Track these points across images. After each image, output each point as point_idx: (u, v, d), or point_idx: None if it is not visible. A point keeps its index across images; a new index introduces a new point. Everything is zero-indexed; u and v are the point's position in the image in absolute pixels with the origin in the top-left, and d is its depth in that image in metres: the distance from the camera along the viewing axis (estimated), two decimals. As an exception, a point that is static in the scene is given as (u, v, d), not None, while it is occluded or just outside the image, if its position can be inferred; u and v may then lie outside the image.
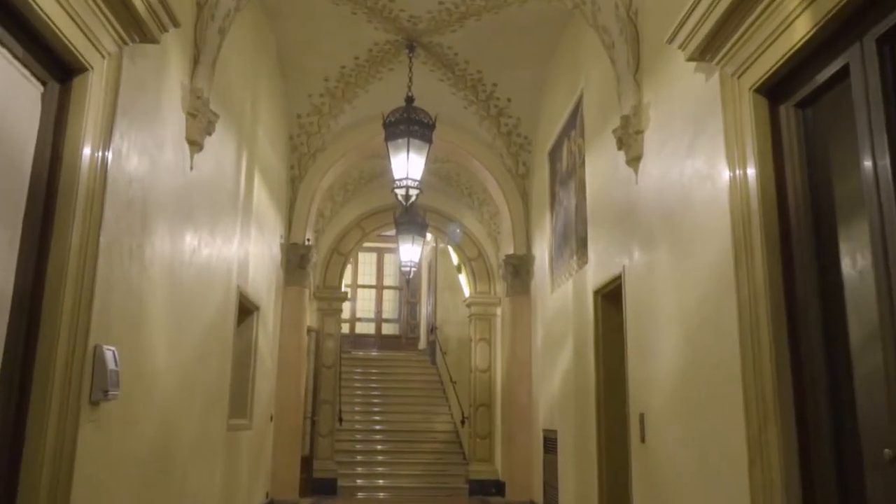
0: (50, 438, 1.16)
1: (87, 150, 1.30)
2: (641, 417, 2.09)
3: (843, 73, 1.18)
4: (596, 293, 2.64)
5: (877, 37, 1.09)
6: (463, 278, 5.41)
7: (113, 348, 1.39)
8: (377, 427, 5.73)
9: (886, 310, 1.04)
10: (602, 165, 2.66)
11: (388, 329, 8.10)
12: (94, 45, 1.30)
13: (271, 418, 3.47)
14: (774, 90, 1.43)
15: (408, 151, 2.95)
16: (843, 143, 1.22)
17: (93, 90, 1.32)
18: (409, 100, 3.07)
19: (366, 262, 8.12)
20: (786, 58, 1.29)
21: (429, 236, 5.80)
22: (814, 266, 1.31)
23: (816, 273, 1.30)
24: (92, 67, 1.32)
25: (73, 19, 1.20)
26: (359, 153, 4.02)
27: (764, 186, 1.40)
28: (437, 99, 3.35)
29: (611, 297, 2.54)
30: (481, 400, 4.70)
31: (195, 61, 1.99)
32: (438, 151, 3.89)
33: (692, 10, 1.51)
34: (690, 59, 1.64)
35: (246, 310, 2.90)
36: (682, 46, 1.62)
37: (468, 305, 5.06)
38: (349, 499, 4.48)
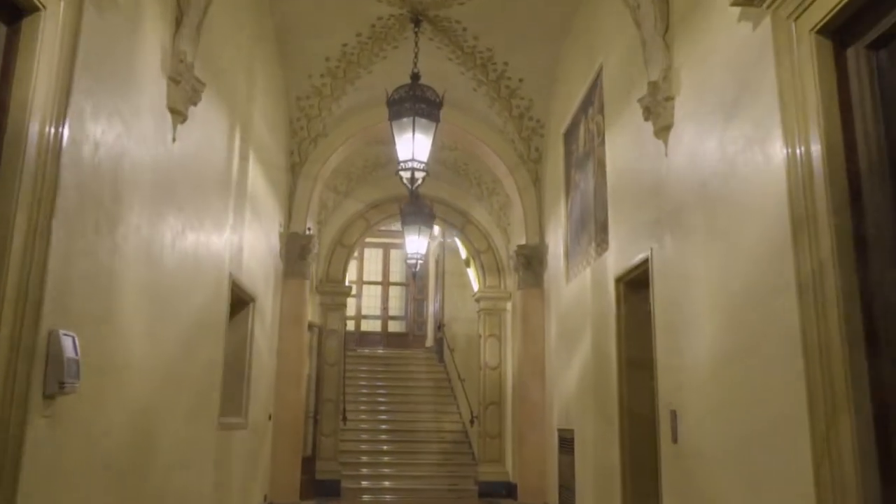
0: (-13, 436, 0.98)
1: (38, 102, 1.12)
2: (673, 415, 1.88)
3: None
4: (618, 281, 2.44)
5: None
6: (471, 272, 5.22)
7: (73, 334, 1.21)
8: (383, 426, 5.56)
9: None
10: (625, 141, 2.45)
11: (394, 326, 7.95)
12: (46, -19, 1.12)
13: (270, 417, 3.29)
14: (841, 30, 1.21)
15: (413, 131, 2.76)
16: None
17: (45, 34, 1.14)
18: (415, 76, 2.87)
19: (371, 259, 7.98)
20: (856, -11, 1.08)
21: (436, 229, 5.62)
22: (891, 238, 1.10)
23: (893, 245, 1.09)
24: (44, 7, 1.14)
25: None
26: (362, 138, 3.83)
27: (830, 146, 1.19)
28: (444, 79, 3.14)
29: (635, 284, 2.33)
30: (491, 398, 4.51)
31: (178, 23, 1.81)
32: (446, 138, 3.70)
33: (740, -59, 1.30)
34: (735, 2, 1.44)
35: (241, 301, 2.72)
36: (728, -14, 1.41)
37: (477, 300, 4.87)
38: (353, 501, 4.31)
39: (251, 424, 2.86)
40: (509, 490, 4.14)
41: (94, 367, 1.32)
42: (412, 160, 2.79)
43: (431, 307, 7.60)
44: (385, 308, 7.94)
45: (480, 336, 4.68)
